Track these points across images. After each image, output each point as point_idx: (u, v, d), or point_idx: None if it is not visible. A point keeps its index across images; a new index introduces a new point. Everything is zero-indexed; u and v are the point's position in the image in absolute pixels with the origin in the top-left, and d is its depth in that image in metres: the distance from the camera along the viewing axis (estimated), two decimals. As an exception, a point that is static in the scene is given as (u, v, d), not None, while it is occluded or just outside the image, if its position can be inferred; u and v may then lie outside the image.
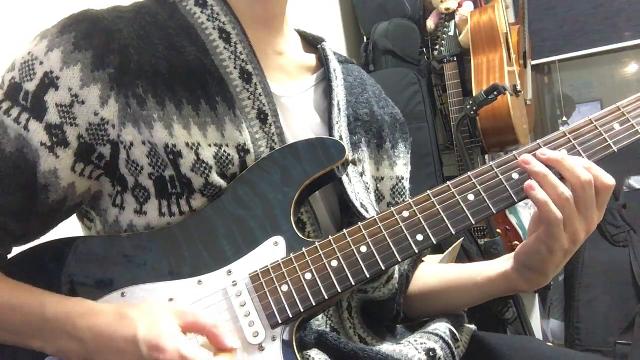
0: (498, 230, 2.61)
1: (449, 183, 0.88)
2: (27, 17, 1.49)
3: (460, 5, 3.12)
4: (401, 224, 0.86)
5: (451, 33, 3.11)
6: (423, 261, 1.19)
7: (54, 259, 0.86)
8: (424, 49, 3.25)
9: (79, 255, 0.86)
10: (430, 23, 3.20)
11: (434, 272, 1.15)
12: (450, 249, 2.20)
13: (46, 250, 0.87)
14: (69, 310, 0.79)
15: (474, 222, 0.86)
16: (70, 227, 0.96)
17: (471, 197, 0.87)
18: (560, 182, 0.84)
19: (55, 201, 0.86)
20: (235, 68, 0.92)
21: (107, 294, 0.83)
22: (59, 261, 0.85)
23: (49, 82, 0.84)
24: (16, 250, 0.89)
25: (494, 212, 0.87)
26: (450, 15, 3.13)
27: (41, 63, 0.84)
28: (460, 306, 1.11)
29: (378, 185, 1.09)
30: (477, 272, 1.04)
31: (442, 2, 3.11)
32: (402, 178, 1.13)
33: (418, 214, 0.86)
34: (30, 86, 0.84)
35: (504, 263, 0.99)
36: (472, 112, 2.40)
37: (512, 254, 0.97)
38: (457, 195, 0.87)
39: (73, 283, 0.84)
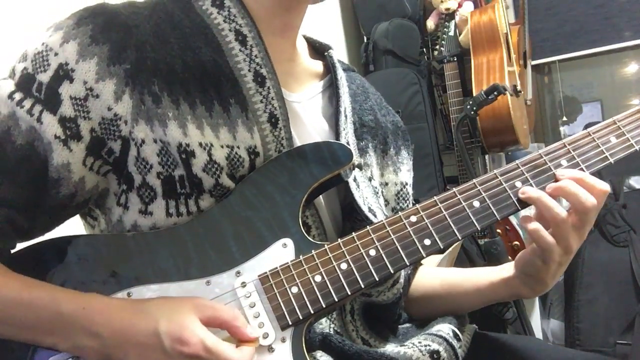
0: (498, 230, 2.61)
1: (454, 189, 0.90)
2: (32, 13, 1.48)
3: (460, 5, 3.12)
4: (409, 229, 0.87)
5: (451, 33, 3.10)
6: (422, 264, 1.20)
7: (56, 257, 0.84)
8: (424, 49, 3.25)
9: (83, 253, 0.85)
10: (430, 23, 3.19)
11: (437, 276, 1.16)
12: (451, 249, 2.20)
13: (48, 248, 0.86)
14: (84, 306, 0.77)
15: (479, 228, 0.89)
16: (73, 226, 0.96)
17: (476, 203, 0.89)
18: (555, 203, 0.88)
19: (66, 196, 0.85)
20: (249, 71, 0.92)
21: (113, 294, 0.82)
22: (61, 259, 0.84)
23: (64, 74, 0.83)
24: (18, 247, 0.88)
25: (499, 218, 0.90)
26: (450, 15, 3.13)
27: (56, 54, 0.83)
28: (462, 310, 1.12)
29: (383, 191, 1.10)
30: (480, 277, 1.06)
31: (442, 2, 3.11)
32: (406, 184, 1.14)
33: (425, 219, 0.88)
34: (44, 77, 0.83)
35: (506, 269, 1.02)
36: (472, 112, 2.39)
37: (514, 262, 1.00)
38: (462, 202, 0.89)
39: (76, 282, 0.83)
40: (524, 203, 0.90)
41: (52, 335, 0.78)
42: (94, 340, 0.76)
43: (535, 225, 0.88)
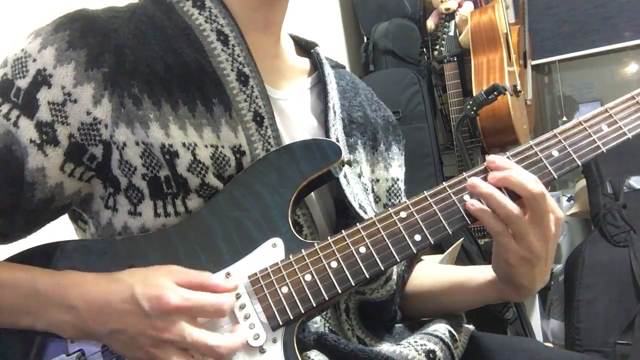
0: (498, 230, 2.60)
1: (444, 184, 0.89)
2: (20, 17, 1.49)
3: (460, 5, 3.12)
4: (399, 225, 0.86)
5: (451, 33, 3.11)
6: (421, 259, 1.19)
7: (46, 263, 0.84)
8: (424, 49, 3.25)
9: (72, 259, 0.85)
10: (430, 23, 3.20)
11: (431, 273, 1.15)
12: (451, 249, 2.20)
13: (37, 254, 0.85)
14: (58, 281, 0.78)
15: (470, 223, 0.87)
16: (67, 229, 0.96)
17: (467, 197, 0.88)
18: (507, 199, 0.85)
19: (41, 200, 0.85)
20: (232, 70, 0.92)
21: None
22: (50, 265, 0.84)
23: (42, 79, 0.83)
24: (8, 252, 0.87)
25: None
26: (450, 15, 3.13)
27: (34, 60, 0.84)
28: (454, 309, 1.12)
29: (374, 187, 1.10)
30: (471, 278, 1.05)
31: (442, 2, 3.12)
32: (398, 179, 1.14)
33: (415, 214, 0.87)
34: (23, 83, 0.83)
35: (493, 273, 1.00)
36: (472, 112, 2.40)
37: None
38: (453, 196, 0.88)
39: None
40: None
41: (30, 314, 0.79)
42: (70, 313, 0.77)
43: (482, 210, 0.86)
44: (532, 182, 0.85)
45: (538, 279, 0.91)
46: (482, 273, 1.03)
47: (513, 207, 0.85)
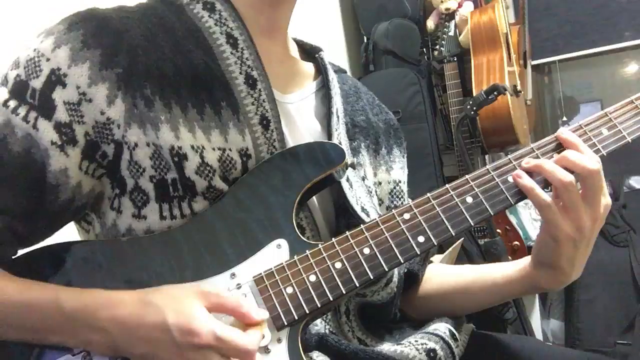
0: (498, 231, 2.61)
1: (447, 186, 0.90)
2: (27, 16, 1.49)
3: (460, 5, 3.12)
4: (402, 226, 0.87)
5: (451, 33, 3.11)
6: (432, 261, 1.19)
7: (51, 264, 0.84)
8: (424, 49, 3.25)
9: (78, 260, 0.85)
10: (430, 23, 3.20)
11: (451, 273, 1.15)
12: (451, 249, 2.20)
13: (42, 255, 0.85)
14: (86, 303, 0.77)
15: (472, 224, 0.88)
16: (67, 231, 0.96)
17: (469, 199, 0.89)
18: (558, 167, 0.87)
19: (65, 201, 0.85)
20: (240, 73, 0.92)
21: None
22: (56, 266, 0.84)
23: (56, 79, 0.83)
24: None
25: (492, 213, 0.89)
26: (450, 15, 3.13)
27: (47, 60, 0.83)
28: (479, 307, 1.11)
29: (377, 190, 1.10)
30: (497, 272, 1.05)
31: (442, 2, 3.11)
32: (400, 181, 1.14)
33: (419, 216, 0.88)
34: (37, 83, 0.83)
35: (524, 262, 1.00)
36: (472, 112, 2.40)
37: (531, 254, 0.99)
38: (455, 198, 0.89)
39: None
40: (517, 197, 0.89)
41: (59, 333, 0.78)
42: (101, 335, 0.76)
43: (530, 183, 0.88)
44: (588, 160, 0.87)
45: (577, 264, 0.93)
46: (509, 266, 1.03)
47: (565, 175, 0.86)
